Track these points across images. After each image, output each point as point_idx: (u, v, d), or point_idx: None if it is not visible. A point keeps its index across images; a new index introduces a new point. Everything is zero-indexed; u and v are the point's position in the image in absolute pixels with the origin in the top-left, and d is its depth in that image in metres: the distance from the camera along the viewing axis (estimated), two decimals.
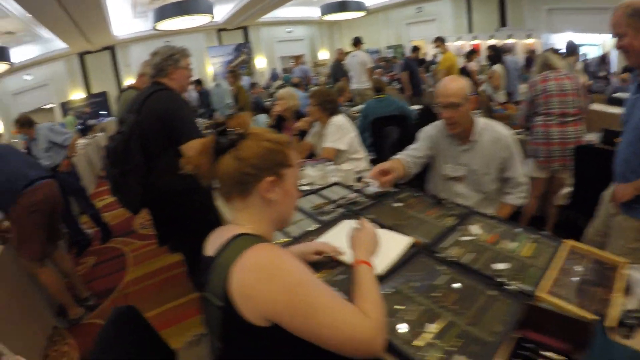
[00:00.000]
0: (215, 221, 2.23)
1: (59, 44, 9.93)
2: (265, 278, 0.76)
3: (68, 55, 10.87)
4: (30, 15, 6.65)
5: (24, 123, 3.53)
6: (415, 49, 7.55)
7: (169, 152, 1.90)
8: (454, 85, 1.76)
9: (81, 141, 7.00)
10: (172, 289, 2.88)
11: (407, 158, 1.94)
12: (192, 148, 1.88)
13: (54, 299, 2.73)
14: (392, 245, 1.25)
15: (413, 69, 6.74)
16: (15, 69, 9.65)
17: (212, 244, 0.90)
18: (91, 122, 9.85)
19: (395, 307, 1.02)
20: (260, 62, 13.04)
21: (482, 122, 1.85)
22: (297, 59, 10.68)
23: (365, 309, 0.82)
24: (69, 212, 3.62)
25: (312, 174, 2.12)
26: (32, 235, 2.44)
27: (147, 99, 1.95)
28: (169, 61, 2.00)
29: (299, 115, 3.16)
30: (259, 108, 6.41)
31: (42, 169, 2.69)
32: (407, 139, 2.27)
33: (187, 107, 2.03)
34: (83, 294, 2.87)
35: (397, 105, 4.05)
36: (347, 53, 6.91)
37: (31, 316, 2.45)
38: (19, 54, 9.47)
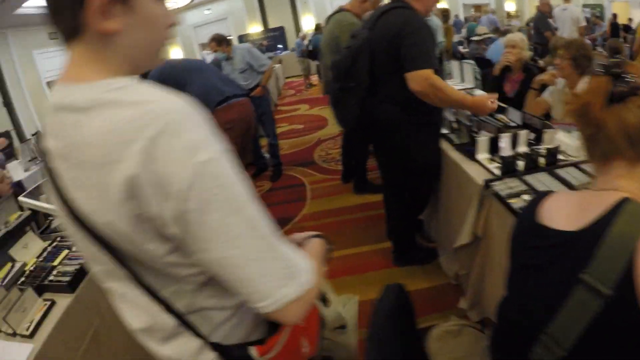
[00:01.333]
0: (437, 167, 1.97)
1: None
2: None
3: None
4: None
5: (222, 40, 3.53)
6: None
7: (397, 76, 1.73)
8: None
9: None
10: (353, 234, 2.63)
11: None
12: (417, 81, 1.67)
13: None
14: None
15: None
16: (195, 4, 10.78)
17: (561, 214, 0.76)
18: (268, 54, 10.51)
19: None
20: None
21: None
22: (480, 8, 9.27)
23: None
24: (255, 134, 3.68)
25: (566, 140, 1.66)
26: None
27: (383, 14, 1.78)
28: None
29: (525, 67, 2.66)
30: (455, 54, 5.78)
31: (238, 87, 2.62)
32: None
33: (426, 33, 1.73)
34: None
35: None
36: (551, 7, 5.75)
37: None
38: None
